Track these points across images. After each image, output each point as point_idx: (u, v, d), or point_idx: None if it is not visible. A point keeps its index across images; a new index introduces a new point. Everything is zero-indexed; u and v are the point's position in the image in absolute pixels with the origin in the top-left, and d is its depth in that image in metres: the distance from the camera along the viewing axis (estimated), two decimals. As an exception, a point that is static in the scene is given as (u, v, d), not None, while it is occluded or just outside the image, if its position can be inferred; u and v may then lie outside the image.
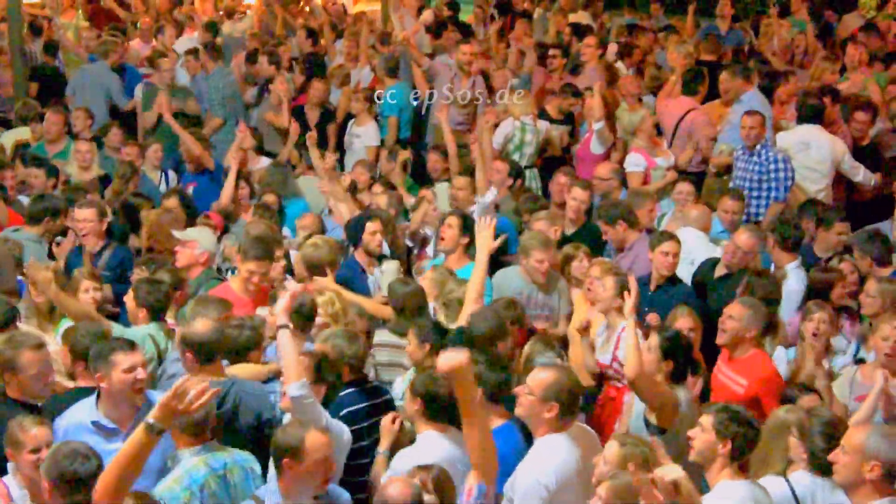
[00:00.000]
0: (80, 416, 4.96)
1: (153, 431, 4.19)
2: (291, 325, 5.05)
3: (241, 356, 5.54)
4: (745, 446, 4.59)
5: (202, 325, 5.29)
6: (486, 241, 6.40)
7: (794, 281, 7.16)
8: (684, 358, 5.62)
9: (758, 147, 8.76)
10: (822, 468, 4.74)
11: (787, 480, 4.85)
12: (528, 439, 4.99)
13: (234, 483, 4.75)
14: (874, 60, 11.28)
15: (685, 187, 8.59)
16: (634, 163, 9.36)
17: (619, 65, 11.79)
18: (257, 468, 4.89)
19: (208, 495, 4.62)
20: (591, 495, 4.41)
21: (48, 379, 5.20)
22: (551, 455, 4.73)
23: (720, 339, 6.05)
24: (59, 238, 7.71)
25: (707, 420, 4.61)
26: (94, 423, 4.91)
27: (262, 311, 6.11)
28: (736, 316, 5.96)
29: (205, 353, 5.24)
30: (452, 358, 4.40)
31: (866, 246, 7.20)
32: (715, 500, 4.47)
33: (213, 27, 13.30)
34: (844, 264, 7.16)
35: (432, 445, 4.90)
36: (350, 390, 5.50)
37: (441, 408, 4.94)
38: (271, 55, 11.56)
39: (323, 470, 4.45)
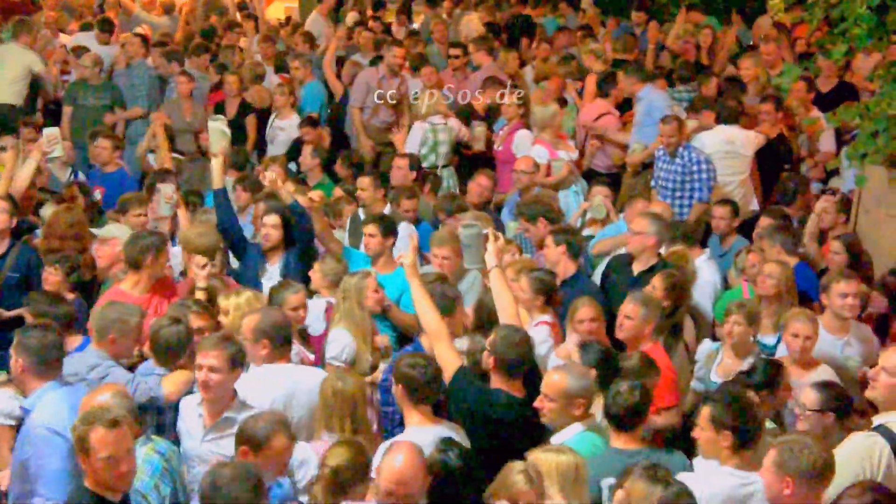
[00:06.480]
0: None
1: None
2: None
3: (174, 354, 5.44)
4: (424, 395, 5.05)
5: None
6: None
7: (707, 272, 7.35)
8: (607, 365, 5.40)
9: (679, 149, 8.76)
10: None
11: None
12: None
13: (175, 466, 4.81)
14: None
15: (601, 190, 8.59)
16: (538, 154, 9.35)
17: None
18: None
19: (168, 479, 4.71)
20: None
21: (132, 464, 4.34)
22: (275, 382, 5.37)
23: (619, 335, 6.09)
24: None
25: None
26: None
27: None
28: (633, 315, 6.00)
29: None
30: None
31: (775, 235, 7.35)
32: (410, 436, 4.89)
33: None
34: (752, 255, 7.26)
35: None
36: None
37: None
38: (169, 53, 11.50)
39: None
